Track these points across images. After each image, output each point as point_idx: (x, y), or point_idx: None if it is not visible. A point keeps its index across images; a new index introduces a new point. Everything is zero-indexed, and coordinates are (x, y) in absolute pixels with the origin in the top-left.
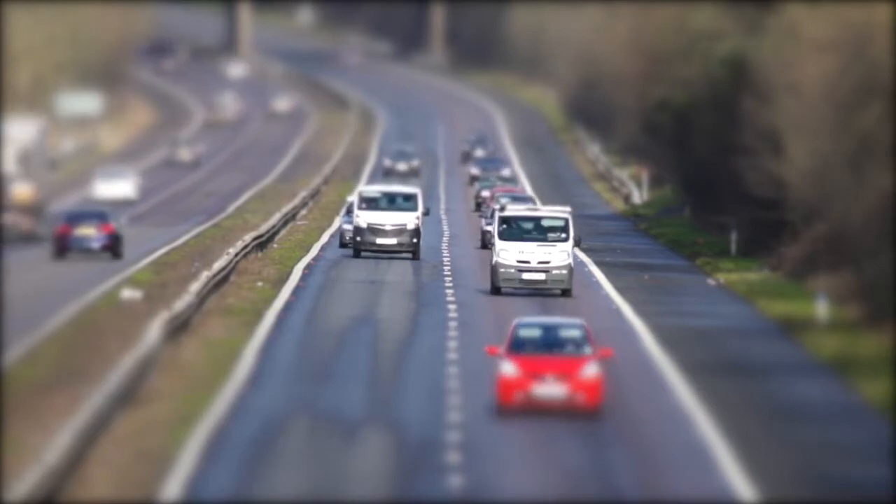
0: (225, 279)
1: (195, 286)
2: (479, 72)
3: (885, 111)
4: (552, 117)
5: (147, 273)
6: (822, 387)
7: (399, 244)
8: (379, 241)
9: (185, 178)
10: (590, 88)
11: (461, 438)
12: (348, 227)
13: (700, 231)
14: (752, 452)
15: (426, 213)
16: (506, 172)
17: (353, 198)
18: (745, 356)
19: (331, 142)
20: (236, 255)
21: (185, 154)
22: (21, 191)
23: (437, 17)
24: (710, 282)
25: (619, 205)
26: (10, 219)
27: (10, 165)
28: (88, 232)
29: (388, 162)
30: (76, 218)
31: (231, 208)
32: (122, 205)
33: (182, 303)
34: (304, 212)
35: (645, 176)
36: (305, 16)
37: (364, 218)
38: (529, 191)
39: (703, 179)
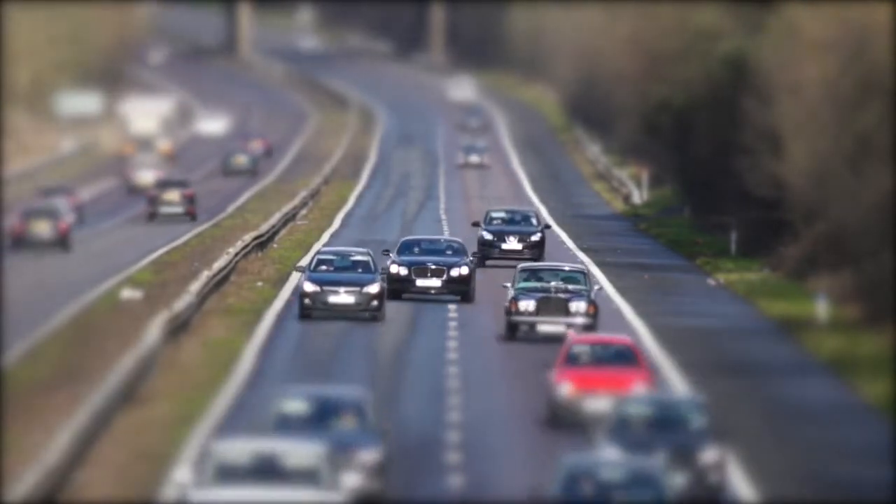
0: (225, 279)
1: (195, 286)
2: (479, 72)
3: (885, 111)
4: (552, 117)
5: (147, 273)
6: (822, 387)
7: None
8: None
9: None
10: (590, 88)
11: (461, 438)
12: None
13: (700, 231)
14: (752, 452)
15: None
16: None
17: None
18: (745, 356)
19: (331, 142)
20: (236, 254)
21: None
22: (164, 146)
23: (437, 17)
24: (710, 282)
25: (618, 205)
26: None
27: (155, 128)
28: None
29: (309, 288)
30: (229, 164)
31: (231, 208)
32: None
33: (182, 303)
34: (304, 212)
35: (645, 176)
36: (305, 16)
37: None
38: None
39: (703, 179)
